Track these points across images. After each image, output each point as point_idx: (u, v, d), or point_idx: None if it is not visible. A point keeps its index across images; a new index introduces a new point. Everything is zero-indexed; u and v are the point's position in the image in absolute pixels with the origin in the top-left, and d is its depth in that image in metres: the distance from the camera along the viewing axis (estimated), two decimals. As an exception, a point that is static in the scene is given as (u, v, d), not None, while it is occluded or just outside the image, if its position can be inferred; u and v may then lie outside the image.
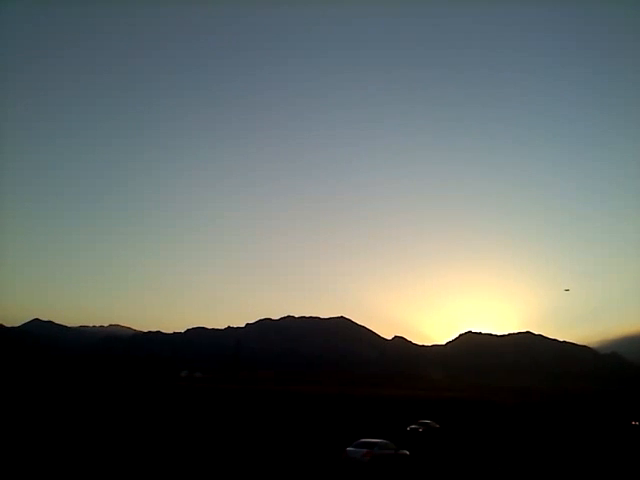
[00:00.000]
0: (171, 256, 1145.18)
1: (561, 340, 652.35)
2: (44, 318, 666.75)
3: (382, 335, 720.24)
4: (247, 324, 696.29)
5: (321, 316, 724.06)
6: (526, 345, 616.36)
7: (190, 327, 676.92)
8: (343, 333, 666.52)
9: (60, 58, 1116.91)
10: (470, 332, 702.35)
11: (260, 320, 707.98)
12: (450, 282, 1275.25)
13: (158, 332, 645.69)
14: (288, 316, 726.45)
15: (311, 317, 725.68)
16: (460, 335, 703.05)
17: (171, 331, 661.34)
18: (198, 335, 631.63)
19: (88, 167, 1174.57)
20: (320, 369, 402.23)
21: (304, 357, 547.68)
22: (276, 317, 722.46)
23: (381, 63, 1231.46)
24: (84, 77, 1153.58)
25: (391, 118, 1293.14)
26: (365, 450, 33.58)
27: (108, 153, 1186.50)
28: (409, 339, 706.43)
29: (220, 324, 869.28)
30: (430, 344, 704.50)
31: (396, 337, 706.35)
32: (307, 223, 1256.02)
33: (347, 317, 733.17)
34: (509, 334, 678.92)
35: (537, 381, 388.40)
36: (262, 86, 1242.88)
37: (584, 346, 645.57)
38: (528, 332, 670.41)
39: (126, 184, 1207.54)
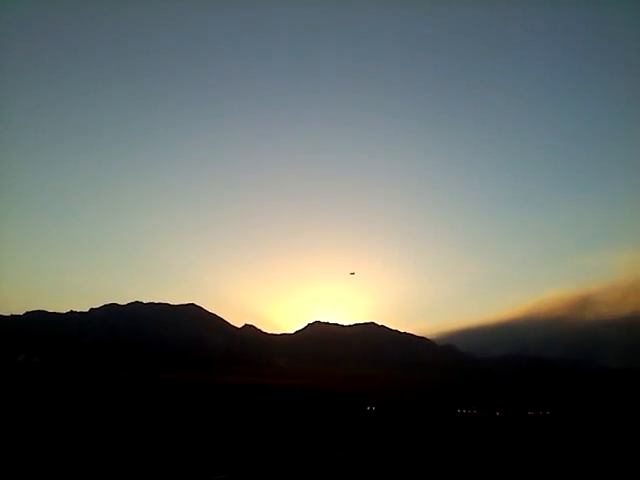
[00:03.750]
0: (5, 231, 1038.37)
1: (402, 331, 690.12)
2: None
3: (232, 323, 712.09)
4: (91, 309, 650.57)
5: (171, 302, 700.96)
6: (371, 335, 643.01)
7: (29, 310, 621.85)
8: (193, 320, 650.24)
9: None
10: (318, 322, 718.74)
11: (106, 305, 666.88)
12: (301, 271, 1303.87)
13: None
14: (136, 302, 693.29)
15: (160, 303, 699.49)
16: (309, 324, 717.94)
17: (8, 313, 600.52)
18: (38, 319, 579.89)
19: None
20: (168, 356, 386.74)
21: (151, 344, 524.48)
22: (123, 302, 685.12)
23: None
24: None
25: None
26: None
27: None
28: (259, 327, 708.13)
29: (62, 308, 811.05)
30: (279, 332, 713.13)
31: (246, 325, 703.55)
32: (158, 206, 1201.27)
33: (198, 304, 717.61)
34: (355, 324, 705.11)
35: (380, 370, 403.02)
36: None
37: (423, 337, 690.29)
38: (372, 323, 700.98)
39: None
